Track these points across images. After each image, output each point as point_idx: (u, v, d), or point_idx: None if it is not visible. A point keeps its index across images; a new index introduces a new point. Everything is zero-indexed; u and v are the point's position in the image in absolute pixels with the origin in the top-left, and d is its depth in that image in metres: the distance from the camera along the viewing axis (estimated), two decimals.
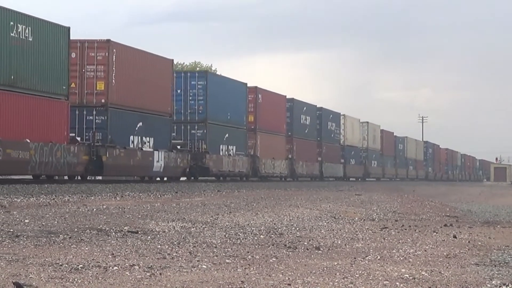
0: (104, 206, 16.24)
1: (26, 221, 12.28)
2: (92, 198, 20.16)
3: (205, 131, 41.25)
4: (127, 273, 7.55)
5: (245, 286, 7.02)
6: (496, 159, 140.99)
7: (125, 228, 11.93)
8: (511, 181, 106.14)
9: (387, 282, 7.50)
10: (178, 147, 39.03)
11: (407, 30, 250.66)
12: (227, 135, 44.19)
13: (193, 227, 12.84)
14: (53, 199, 18.88)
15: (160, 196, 22.98)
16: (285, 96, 55.42)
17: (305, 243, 11.14)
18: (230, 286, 6.98)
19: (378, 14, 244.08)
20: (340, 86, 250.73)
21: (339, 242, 11.44)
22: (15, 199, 17.98)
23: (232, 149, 44.91)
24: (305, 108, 59.26)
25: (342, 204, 22.02)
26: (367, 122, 77.46)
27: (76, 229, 11.42)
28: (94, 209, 15.23)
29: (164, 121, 37.55)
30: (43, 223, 12.02)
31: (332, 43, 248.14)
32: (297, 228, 13.70)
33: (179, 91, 40.86)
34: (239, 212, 16.55)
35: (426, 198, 29.49)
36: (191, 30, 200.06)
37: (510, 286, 7.41)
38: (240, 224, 13.85)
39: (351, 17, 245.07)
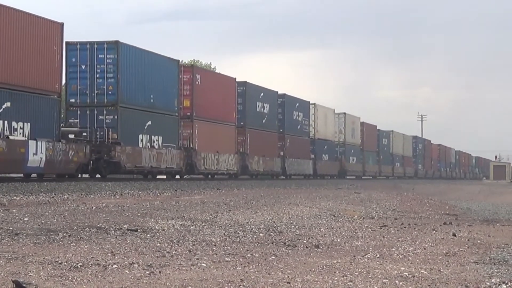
0: (104, 204, 16.24)
1: (25, 219, 12.28)
2: (91, 196, 20.16)
3: (116, 116, 32.59)
4: (126, 271, 7.55)
5: (244, 284, 7.02)
6: (496, 157, 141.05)
7: (124, 226, 11.93)
8: (511, 179, 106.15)
9: (387, 280, 7.51)
10: (71, 136, 30.95)
11: (407, 28, 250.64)
12: (149, 123, 35.27)
13: (193, 225, 12.85)
14: (53, 197, 18.88)
15: (160, 194, 22.98)
16: (235, 78, 45.90)
17: (305, 241, 11.14)
18: (229, 284, 6.98)
19: (378, 13, 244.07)
20: (339, 85, 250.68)
21: (338, 240, 11.44)
22: (15, 197, 17.98)
23: (158, 140, 36.13)
24: (262, 94, 49.77)
25: (341, 202, 22.03)
26: (344, 114, 68.77)
27: (75, 227, 11.42)
28: (94, 207, 15.23)
29: (49, 102, 29.18)
30: (43, 221, 12.02)
31: (331, 42, 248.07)
32: (297, 226, 13.71)
33: (83, 66, 32.63)
34: (239, 210, 16.55)
35: (425, 196, 29.50)
36: (190, 29, 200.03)
37: (509, 284, 7.42)
38: (239, 222, 13.85)
39: (351, 16, 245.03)
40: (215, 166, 42.07)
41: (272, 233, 12.21)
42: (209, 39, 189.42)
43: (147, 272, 7.52)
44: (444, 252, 10.15)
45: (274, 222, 14.45)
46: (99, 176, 32.39)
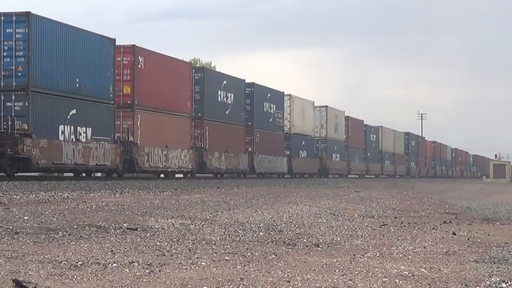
0: (104, 203, 16.23)
1: (25, 218, 12.28)
2: (91, 195, 20.16)
3: (26, 103, 27.19)
4: (126, 270, 7.55)
5: (244, 283, 7.02)
6: (496, 156, 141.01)
7: (124, 225, 11.93)
8: (511, 178, 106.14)
9: (386, 279, 7.51)
10: None
11: (406, 27, 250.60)
12: (73, 112, 29.72)
13: (192, 224, 12.84)
14: (52, 196, 18.88)
15: (160, 193, 22.98)
16: (190, 63, 41.19)
17: (304, 240, 11.14)
18: (229, 283, 6.98)
19: (377, 11, 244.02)
20: (339, 84, 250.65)
21: (338, 239, 11.44)
22: (14, 196, 17.97)
23: (85, 133, 30.43)
24: (225, 83, 44.06)
25: (341, 201, 22.03)
26: (326, 107, 63.10)
27: (75, 226, 11.42)
28: (94, 206, 15.23)
29: None
30: (42, 220, 12.01)
31: (331, 40, 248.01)
32: (297, 225, 13.70)
33: None
34: (238, 209, 16.55)
35: (425, 195, 29.50)
36: (190, 27, 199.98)
37: (509, 283, 7.42)
38: (239, 221, 13.85)
39: (350, 14, 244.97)
40: (163, 163, 36.19)
41: (272, 232, 12.21)
42: (209, 38, 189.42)
43: (147, 271, 7.52)
44: (444, 251, 10.15)
45: (274, 221, 14.45)
46: (4, 174, 26.74)
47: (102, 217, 12.92)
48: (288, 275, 7.53)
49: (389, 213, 18.85)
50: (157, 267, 7.78)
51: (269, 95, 51.05)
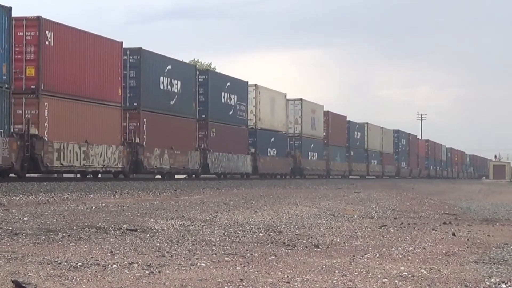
0: (103, 204, 16.24)
1: (25, 219, 12.28)
2: (91, 196, 20.17)
3: None
4: (126, 271, 7.55)
5: (244, 284, 7.02)
6: (495, 156, 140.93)
7: (124, 226, 11.92)
8: (510, 178, 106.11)
9: (386, 279, 7.51)
10: None
11: (406, 27, 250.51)
12: None
13: (192, 225, 12.84)
14: (52, 197, 18.88)
15: (159, 194, 22.99)
16: (121, 43, 32.90)
17: (304, 241, 11.14)
18: (229, 284, 6.98)
19: (377, 12, 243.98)
20: (339, 84, 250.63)
21: (338, 240, 11.44)
22: (14, 197, 17.99)
23: None
24: (169, 68, 37.21)
25: (341, 202, 22.03)
26: (301, 100, 56.29)
27: (75, 227, 11.41)
28: (93, 207, 15.23)
29: None
30: (42, 221, 12.01)
31: (331, 41, 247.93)
32: (296, 226, 13.70)
33: None
34: (238, 210, 16.55)
35: (425, 196, 29.51)
36: (190, 28, 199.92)
37: (509, 283, 7.42)
38: (239, 222, 13.85)
39: (350, 15, 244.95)
40: (82, 161, 29.56)
41: (271, 233, 12.20)
42: (209, 39, 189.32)
43: (146, 272, 7.52)
44: (444, 251, 10.15)
45: (273, 221, 14.45)
46: None
47: (101, 218, 12.92)
48: (287, 276, 7.52)
49: (388, 214, 18.85)
50: (156, 268, 7.78)
51: (228, 84, 43.95)
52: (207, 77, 41.78)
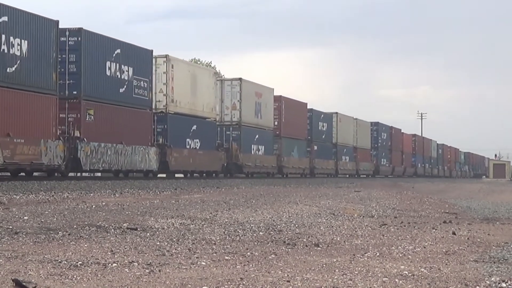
0: (103, 203, 16.24)
1: (25, 218, 12.28)
2: (91, 195, 20.17)
3: None
4: (126, 270, 7.55)
5: (244, 282, 7.02)
6: (495, 155, 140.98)
7: (124, 225, 11.93)
8: (510, 177, 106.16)
9: (386, 278, 7.51)
10: None
11: (406, 26, 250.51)
12: None
13: (192, 224, 12.85)
14: (52, 195, 18.90)
15: (159, 193, 22.99)
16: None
17: (304, 239, 11.14)
18: (229, 282, 6.98)
19: (377, 11, 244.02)
20: (339, 84, 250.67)
21: (338, 239, 11.44)
22: (14, 196, 17.99)
23: None
24: (118, 52, 31.63)
25: (341, 200, 22.03)
26: (240, 79, 43.95)
27: (75, 226, 11.42)
28: (93, 206, 15.24)
29: None
30: (42, 220, 12.02)
31: (331, 40, 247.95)
32: (296, 225, 13.70)
33: None
34: (238, 209, 16.56)
35: (425, 195, 29.52)
36: (190, 27, 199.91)
37: (509, 282, 7.42)
38: (239, 221, 13.85)
39: (350, 14, 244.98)
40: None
41: (271, 232, 12.21)
42: (209, 38, 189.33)
43: (146, 270, 7.52)
44: (444, 250, 10.15)
45: (273, 220, 14.45)
46: None
47: (102, 217, 12.92)
48: (288, 275, 7.52)
49: (389, 212, 18.85)
50: (157, 267, 7.78)
51: (118, 51, 31.85)
52: (79, 39, 29.47)
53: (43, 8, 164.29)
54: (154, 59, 34.95)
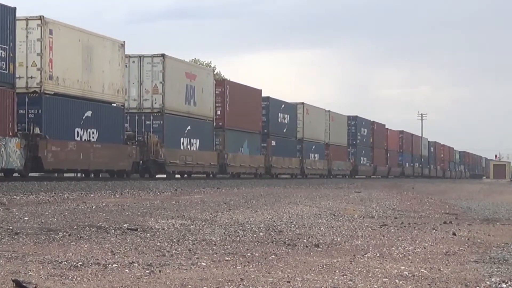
0: (104, 204, 16.24)
1: (25, 218, 12.28)
2: (91, 195, 20.17)
3: None
4: (126, 270, 7.55)
5: (244, 283, 7.02)
6: (496, 156, 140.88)
7: (124, 225, 11.93)
8: (511, 178, 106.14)
9: (387, 279, 7.51)
10: None
11: (406, 27, 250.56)
12: None
13: (193, 225, 12.85)
14: (53, 196, 18.89)
15: (160, 193, 22.99)
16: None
17: (305, 240, 11.14)
18: (229, 283, 6.98)
19: (378, 11, 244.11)
20: (339, 84, 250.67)
21: (338, 240, 11.44)
22: (15, 197, 17.99)
23: None
24: None
25: (341, 201, 22.03)
26: (163, 55, 35.55)
27: (75, 227, 11.42)
28: (94, 207, 15.24)
29: None
30: (43, 221, 12.02)
31: (331, 40, 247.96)
32: (297, 226, 13.70)
33: None
34: (239, 209, 16.55)
35: (426, 196, 29.51)
36: (190, 28, 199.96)
37: (509, 283, 7.42)
38: (239, 222, 13.85)
39: (350, 14, 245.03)
40: None
41: (272, 232, 12.20)
42: (209, 38, 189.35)
43: (147, 271, 7.53)
44: (444, 251, 10.15)
45: (274, 221, 14.45)
46: None
47: (102, 218, 12.92)
48: (288, 276, 7.53)
49: (389, 213, 18.85)
50: (157, 267, 7.78)
51: None
52: None
53: (43, 7, 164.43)
54: (25, 22, 26.76)
